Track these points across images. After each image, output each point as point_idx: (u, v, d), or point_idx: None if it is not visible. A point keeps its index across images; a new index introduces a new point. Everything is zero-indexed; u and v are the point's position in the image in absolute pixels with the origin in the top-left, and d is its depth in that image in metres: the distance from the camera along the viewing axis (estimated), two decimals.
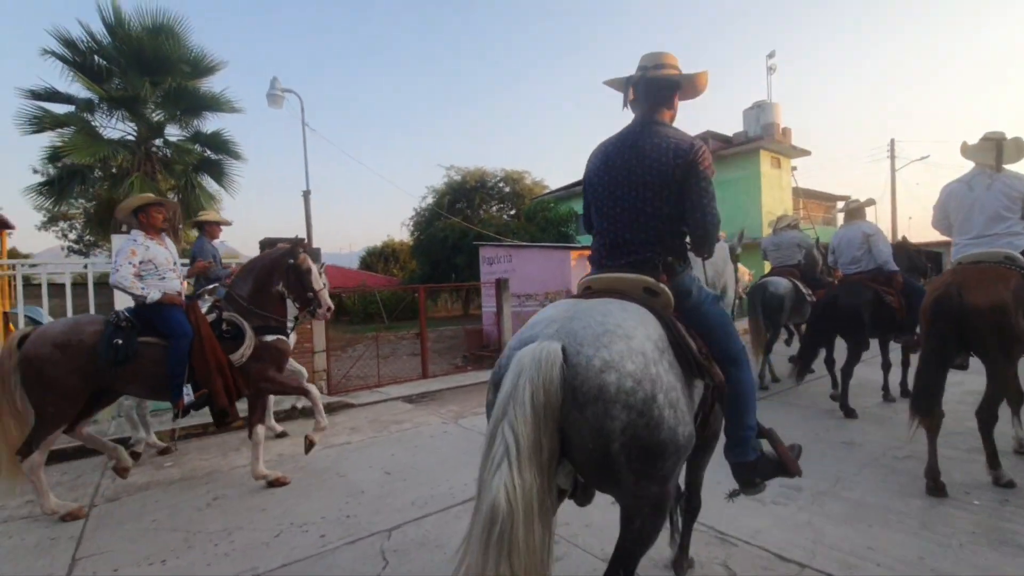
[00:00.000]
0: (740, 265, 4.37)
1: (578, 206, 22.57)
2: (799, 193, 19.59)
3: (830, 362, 5.23)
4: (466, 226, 23.51)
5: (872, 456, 3.60)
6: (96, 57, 8.45)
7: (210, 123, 9.30)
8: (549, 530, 1.35)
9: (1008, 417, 3.36)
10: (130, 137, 8.80)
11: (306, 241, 3.95)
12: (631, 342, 1.43)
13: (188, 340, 3.37)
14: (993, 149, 3.24)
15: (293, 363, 4.59)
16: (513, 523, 1.21)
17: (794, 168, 19.59)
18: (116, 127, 8.80)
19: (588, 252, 2.03)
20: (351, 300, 20.15)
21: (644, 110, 1.88)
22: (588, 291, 1.84)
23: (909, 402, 3.13)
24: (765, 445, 1.92)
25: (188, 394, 3.32)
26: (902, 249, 6.54)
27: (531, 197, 26.54)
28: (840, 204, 23.71)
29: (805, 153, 17.40)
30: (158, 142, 8.96)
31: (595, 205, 1.91)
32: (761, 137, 16.09)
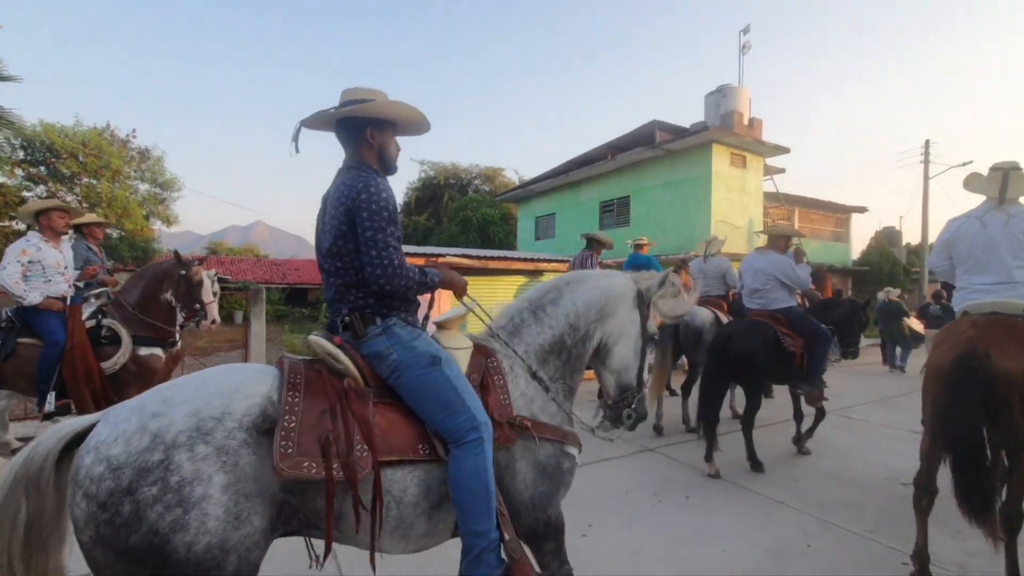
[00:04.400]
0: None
1: (528, 209, 20.09)
2: (781, 199, 16.22)
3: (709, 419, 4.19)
4: (432, 224, 22.06)
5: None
6: None
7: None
8: (26, 560, 1.26)
9: None
10: None
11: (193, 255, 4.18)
12: (156, 420, 1.25)
13: (59, 348, 3.42)
14: (999, 180, 2.80)
15: None
16: None
17: (782, 171, 16.28)
18: None
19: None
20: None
21: (345, 155, 1.70)
22: None
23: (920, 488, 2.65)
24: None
25: (50, 403, 3.41)
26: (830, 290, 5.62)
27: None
28: (855, 216, 19.82)
29: (782, 151, 14.06)
30: None
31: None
32: (708, 128, 13.07)
